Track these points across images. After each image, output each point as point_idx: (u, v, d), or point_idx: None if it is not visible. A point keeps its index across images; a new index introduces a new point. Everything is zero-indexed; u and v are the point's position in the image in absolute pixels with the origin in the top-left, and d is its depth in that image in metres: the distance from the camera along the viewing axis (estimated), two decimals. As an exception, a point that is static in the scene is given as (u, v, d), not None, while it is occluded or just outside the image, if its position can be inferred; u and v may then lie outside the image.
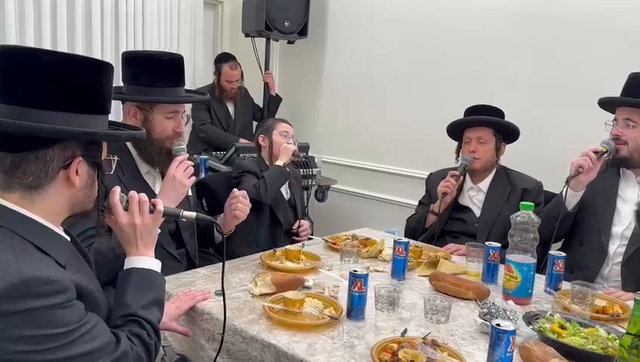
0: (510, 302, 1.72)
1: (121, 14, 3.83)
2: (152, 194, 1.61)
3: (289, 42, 4.31)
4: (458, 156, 2.61)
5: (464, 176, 2.55)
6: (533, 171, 2.60)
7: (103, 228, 1.29)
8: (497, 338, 1.23)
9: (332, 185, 3.93)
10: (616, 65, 2.59)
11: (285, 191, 2.73)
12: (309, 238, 2.66)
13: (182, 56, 1.99)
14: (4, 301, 0.95)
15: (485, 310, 1.57)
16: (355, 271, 1.56)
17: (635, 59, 2.55)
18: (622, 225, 2.16)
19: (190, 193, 1.95)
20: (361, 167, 4.03)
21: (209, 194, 2.69)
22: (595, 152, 2.16)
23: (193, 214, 1.41)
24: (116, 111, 2.19)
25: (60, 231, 1.16)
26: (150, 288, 1.27)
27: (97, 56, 3.59)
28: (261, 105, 4.38)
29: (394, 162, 3.81)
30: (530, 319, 1.54)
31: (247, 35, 4.27)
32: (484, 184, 2.55)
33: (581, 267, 2.18)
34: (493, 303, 1.61)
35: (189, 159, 1.89)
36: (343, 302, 1.59)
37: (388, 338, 1.41)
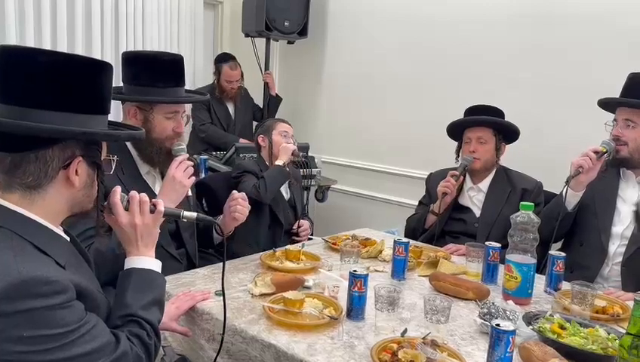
0: (510, 302, 1.72)
1: (121, 14, 3.83)
2: (151, 195, 1.61)
3: (289, 42, 4.31)
4: (458, 156, 2.61)
5: (464, 176, 2.55)
6: (533, 171, 2.60)
7: (103, 228, 1.29)
8: (497, 339, 1.23)
9: (332, 185, 3.93)
10: (616, 65, 2.59)
11: (285, 191, 2.73)
12: (309, 238, 2.66)
13: (182, 57, 1.99)
14: (3, 301, 0.95)
15: (485, 310, 1.57)
16: (354, 271, 1.56)
17: (635, 59, 2.56)
18: (622, 225, 2.16)
19: (190, 193, 1.95)
20: (361, 167, 4.03)
21: (209, 195, 2.69)
22: (595, 152, 2.16)
23: (194, 214, 1.41)
24: (116, 112, 2.19)
25: (59, 231, 1.16)
26: (150, 288, 1.27)
27: (97, 56, 3.59)
28: (261, 106, 4.38)
29: (394, 162, 3.81)
30: (530, 319, 1.54)
31: (247, 35, 4.27)
32: (484, 184, 2.55)
33: (581, 267, 2.18)
34: (493, 303, 1.61)
35: (188, 159, 1.89)
36: (343, 302, 1.59)
37: (388, 338, 1.41)
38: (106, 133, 1.18)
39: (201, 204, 2.61)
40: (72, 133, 1.10)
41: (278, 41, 4.36)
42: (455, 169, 2.50)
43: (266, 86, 4.29)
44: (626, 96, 2.16)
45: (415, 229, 2.64)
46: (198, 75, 4.46)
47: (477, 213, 2.53)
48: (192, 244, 2.08)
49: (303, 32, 4.16)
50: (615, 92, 2.22)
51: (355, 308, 1.55)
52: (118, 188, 1.30)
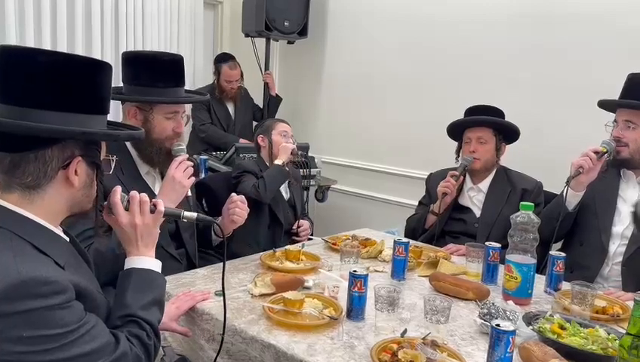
0: (510, 302, 1.72)
1: (121, 14, 3.83)
2: (151, 195, 1.61)
3: (289, 42, 4.31)
4: (458, 156, 2.60)
5: (464, 177, 2.55)
6: (533, 171, 2.59)
7: (102, 228, 1.29)
8: (497, 339, 1.23)
9: (332, 186, 3.93)
10: (616, 65, 2.59)
11: (285, 191, 2.73)
12: (309, 238, 2.66)
13: (182, 57, 1.99)
14: (3, 302, 0.95)
15: (485, 310, 1.57)
16: (354, 271, 1.56)
17: (635, 59, 2.56)
18: (622, 225, 2.16)
19: (190, 193, 1.95)
20: (361, 167, 4.03)
21: (209, 195, 2.69)
22: (596, 152, 2.16)
23: (194, 215, 1.41)
24: (116, 112, 2.19)
25: (59, 231, 1.16)
26: (150, 288, 1.27)
27: (97, 56, 3.59)
28: (261, 106, 4.38)
29: (394, 162, 3.81)
30: (530, 319, 1.54)
31: (247, 35, 4.27)
32: (484, 184, 2.55)
33: (581, 267, 2.18)
34: (493, 303, 1.61)
35: (188, 159, 1.89)
36: (343, 302, 1.59)
37: (388, 338, 1.41)
38: (105, 132, 1.18)
39: (201, 205, 2.61)
40: (72, 133, 1.10)
41: (278, 41, 4.36)
42: (455, 169, 2.50)
43: (266, 86, 4.29)
44: (625, 97, 2.16)
45: (415, 229, 2.64)
46: (198, 75, 4.46)
47: (477, 213, 2.53)
48: (191, 244, 2.08)
49: (303, 32, 4.16)
50: (615, 92, 2.22)
51: (355, 309, 1.55)
52: (118, 188, 1.30)
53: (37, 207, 1.11)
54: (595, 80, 2.77)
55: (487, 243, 1.98)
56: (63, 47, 3.47)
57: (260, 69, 4.31)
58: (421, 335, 1.42)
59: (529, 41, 3.10)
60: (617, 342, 1.34)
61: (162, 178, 1.92)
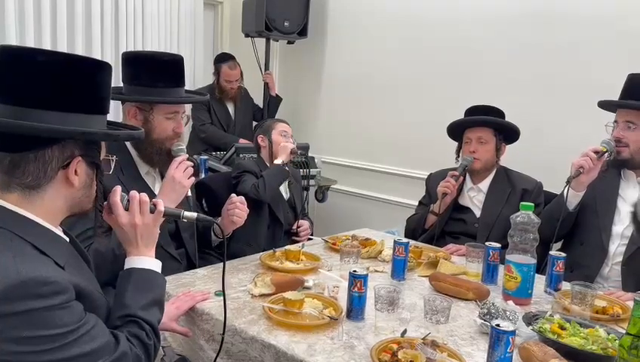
0: (510, 302, 1.72)
1: (121, 14, 3.83)
2: (151, 195, 1.61)
3: (289, 42, 4.31)
4: (458, 156, 2.60)
5: (464, 177, 2.55)
6: (533, 171, 2.59)
7: (102, 228, 1.29)
8: (497, 339, 1.23)
9: (332, 186, 3.93)
10: (615, 65, 2.59)
11: (285, 191, 2.73)
12: (309, 238, 2.66)
13: (182, 57, 1.99)
14: (2, 302, 0.95)
15: (485, 310, 1.57)
16: (354, 271, 1.56)
17: (635, 59, 2.55)
18: (622, 225, 2.16)
19: (190, 193, 1.95)
20: (361, 168, 4.03)
21: (209, 195, 2.69)
22: (596, 152, 2.16)
23: (194, 215, 1.41)
24: (116, 112, 2.19)
25: (58, 231, 1.16)
26: (150, 288, 1.27)
27: (97, 56, 3.59)
28: (261, 106, 4.38)
29: (394, 162, 3.81)
30: (529, 319, 1.54)
31: (247, 36, 4.27)
32: (484, 184, 2.55)
33: (581, 266, 2.18)
34: (493, 303, 1.61)
35: (188, 159, 1.89)
36: (343, 302, 1.59)
37: (387, 338, 1.41)
38: (105, 132, 1.18)
39: (200, 205, 2.61)
40: (72, 133, 1.10)
41: (278, 41, 4.36)
42: (455, 169, 2.50)
43: (266, 86, 4.29)
44: (625, 97, 2.16)
45: (415, 229, 2.64)
46: (198, 75, 4.46)
47: (477, 213, 2.53)
48: (191, 244, 2.08)
49: (302, 32, 4.16)
50: (615, 92, 2.22)
51: (355, 309, 1.55)
52: (118, 188, 1.30)
53: (37, 207, 1.11)
54: (595, 80, 2.77)
55: (487, 243, 1.98)
56: (63, 47, 3.47)
57: (260, 69, 4.31)
58: (421, 336, 1.42)
59: (529, 41, 3.10)
60: (617, 342, 1.34)
61: (162, 178, 1.93)
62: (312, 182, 3.59)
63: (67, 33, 3.53)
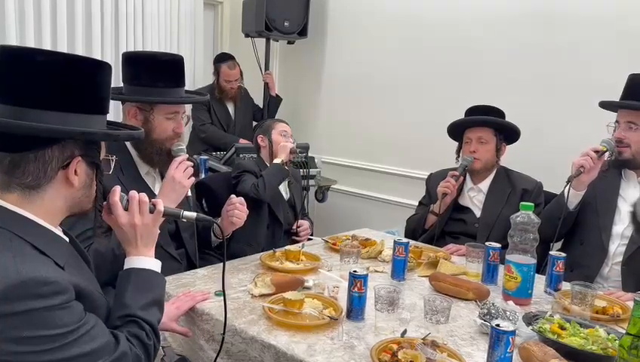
0: (510, 302, 1.72)
1: (121, 14, 3.83)
2: (151, 195, 1.61)
3: (289, 42, 4.31)
4: (458, 156, 2.60)
5: (464, 177, 2.55)
6: (533, 171, 2.59)
7: (101, 228, 1.29)
8: (497, 339, 1.23)
9: (332, 186, 3.93)
10: (616, 65, 2.60)
11: (285, 191, 2.73)
12: (309, 238, 2.66)
13: (182, 57, 1.99)
14: (2, 302, 0.95)
15: (485, 310, 1.57)
16: (354, 271, 1.56)
17: (635, 59, 2.55)
18: (622, 225, 2.17)
19: (189, 193, 1.95)
20: (361, 168, 4.03)
21: (209, 195, 2.69)
22: (596, 152, 2.17)
23: (193, 214, 1.41)
24: (116, 112, 2.20)
25: (58, 231, 1.16)
26: (150, 288, 1.27)
27: (97, 56, 3.59)
28: (261, 106, 4.38)
29: (394, 162, 3.81)
30: (529, 319, 1.54)
31: (247, 36, 4.27)
32: (485, 184, 2.55)
33: (581, 266, 2.18)
34: (493, 304, 1.61)
35: (188, 159, 1.89)
36: (343, 302, 1.59)
37: (387, 338, 1.41)
38: (105, 132, 1.18)
39: (200, 205, 2.61)
40: (71, 133, 1.10)
41: (278, 41, 4.36)
42: (455, 169, 2.50)
43: (266, 86, 4.29)
44: (626, 98, 2.16)
45: (415, 230, 2.64)
46: (198, 75, 4.46)
47: (477, 213, 2.53)
48: (191, 245, 2.08)
49: (303, 32, 4.16)
50: (615, 92, 2.22)
51: (355, 309, 1.55)
52: (117, 188, 1.30)
53: (37, 207, 1.11)
54: (595, 80, 2.77)
55: (487, 243, 1.98)
56: (63, 47, 3.47)
57: (260, 69, 4.31)
58: (421, 336, 1.42)
59: (529, 41, 3.10)
60: (617, 342, 1.34)
61: (162, 178, 1.92)
62: (312, 182, 3.59)
63: (67, 33, 3.53)
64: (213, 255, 2.27)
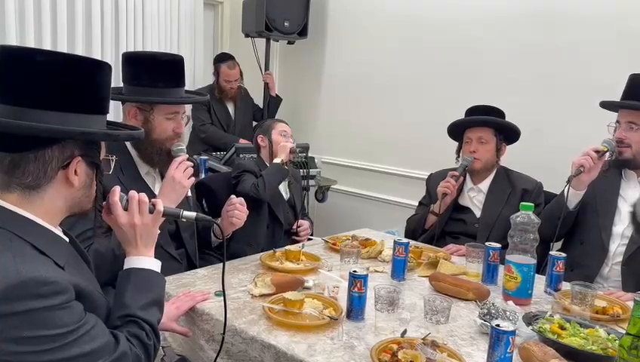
0: (510, 302, 1.72)
1: (121, 14, 3.83)
2: (151, 195, 1.61)
3: (289, 42, 4.30)
4: (458, 156, 2.60)
5: (464, 177, 2.55)
6: (533, 171, 2.59)
7: (102, 228, 1.29)
8: (497, 339, 1.23)
9: (332, 186, 3.93)
10: (616, 65, 2.60)
11: (285, 191, 2.73)
12: (309, 238, 2.66)
13: (182, 57, 1.99)
14: (2, 302, 0.95)
15: (485, 310, 1.57)
16: (354, 271, 1.56)
17: (635, 59, 2.55)
18: (622, 225, 2.17)
19: (189, 194, 1.95)
20: (361, 168, 4.03)
21: (209, 195, 2.69)
22: (596, 151, 2.17)
23: (193, 214, 1.41)
24: (116, 112, 2.20)
25: (58, 231, 1.16)
26: (150, 288, 1.27)
27: (97, 56, 3.59)
28: (261, 106, 4.38)
29: (394, 162, 3.81)
30: (529, 319, 1.54)
31: (247, 36, 4.27)
32: (485, 185, 2.55)
33: (581, 265, 2.18)
34: (493, 304, 1.61)
35: (188, 160, 1.89)
36: (343, 302, 1.59)
37: (387, 338, 1.41)
38: (104, 132, 1.18)
39: (200, 205, 2.61)
40: (71, 133, 1.10)
41: (278, 41, 4.36)
42: (455, 169, 2.50)
43: (266, 86, 4.28)
44: (627, 98, 2.16)
45: (415, 230, 2.64)
46: (198, 75, 4.46)
47: (477, 213, 2.53)
48: (191, 245, 2.08)
49: (303, 33, 4.16)
50: (615, 92, 2.22)
51: (355, 309, 1.55)
52: (117, 188, 1.30)
53: (37, 207, 1.11)
54: (595, 80, 2.77)
55: (487, 243, 1.98)
56: (63, 47, 3.47)
57: (260, 69, 4.31)
58: (421, 336, 1.42)
59: (529, 41, 3.10)
60: (617, 342, 1.34)
61: (162, 178, 1.92)
62: (312, 182, 3.58)
63: (67, 33, 3.53)
64: (214, 255, 2.27)
